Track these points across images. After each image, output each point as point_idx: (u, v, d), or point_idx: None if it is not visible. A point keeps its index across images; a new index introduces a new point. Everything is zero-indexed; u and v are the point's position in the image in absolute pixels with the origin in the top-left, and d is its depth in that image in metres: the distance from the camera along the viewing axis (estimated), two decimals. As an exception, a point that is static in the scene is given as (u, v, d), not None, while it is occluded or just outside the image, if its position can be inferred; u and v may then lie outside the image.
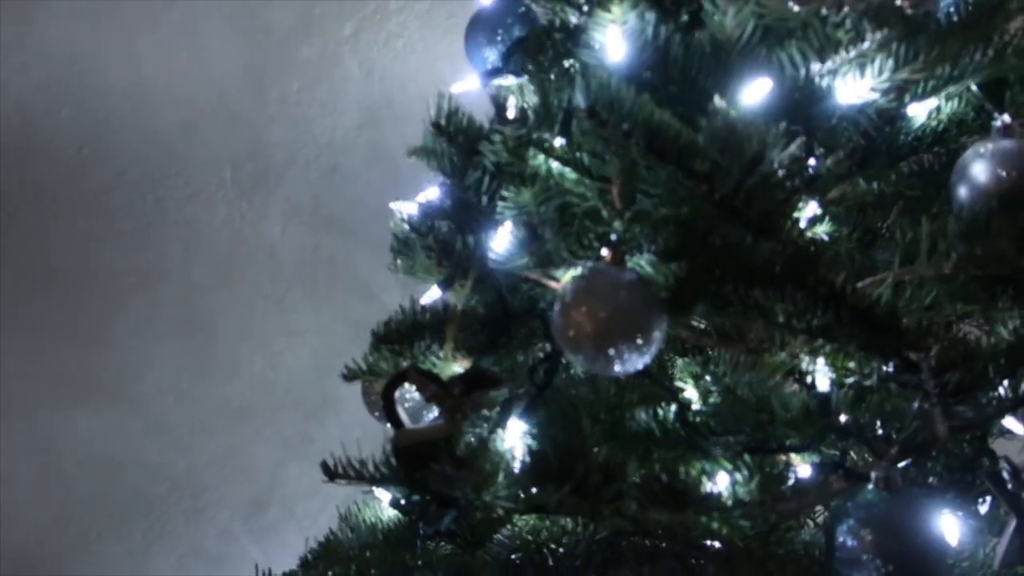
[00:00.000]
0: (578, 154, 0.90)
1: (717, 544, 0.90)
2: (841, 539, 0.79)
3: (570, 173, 0.91)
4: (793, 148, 0.81)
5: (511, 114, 1.06)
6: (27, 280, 1.58)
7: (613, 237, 0.84)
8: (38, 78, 1.55)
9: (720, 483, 0.82)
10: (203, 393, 1.69)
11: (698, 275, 0.81)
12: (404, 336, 0.98)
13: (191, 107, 1.63)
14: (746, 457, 0.81)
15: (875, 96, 0.88)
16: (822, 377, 0.86)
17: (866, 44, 0.84)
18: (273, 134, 1.67)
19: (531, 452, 0.83)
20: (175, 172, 1.63)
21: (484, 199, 0.93)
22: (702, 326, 0.93)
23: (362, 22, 1.70)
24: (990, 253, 0.83)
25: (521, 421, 0.89)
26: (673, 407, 0.91)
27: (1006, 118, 0.90)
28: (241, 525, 1.73)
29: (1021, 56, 0.93)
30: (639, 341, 0.74)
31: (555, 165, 0.91)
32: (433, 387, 0.89)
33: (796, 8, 0.85)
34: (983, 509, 0.98)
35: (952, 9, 0.92)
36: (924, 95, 0.93)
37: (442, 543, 1.05)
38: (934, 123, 0.98)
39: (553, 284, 0.90)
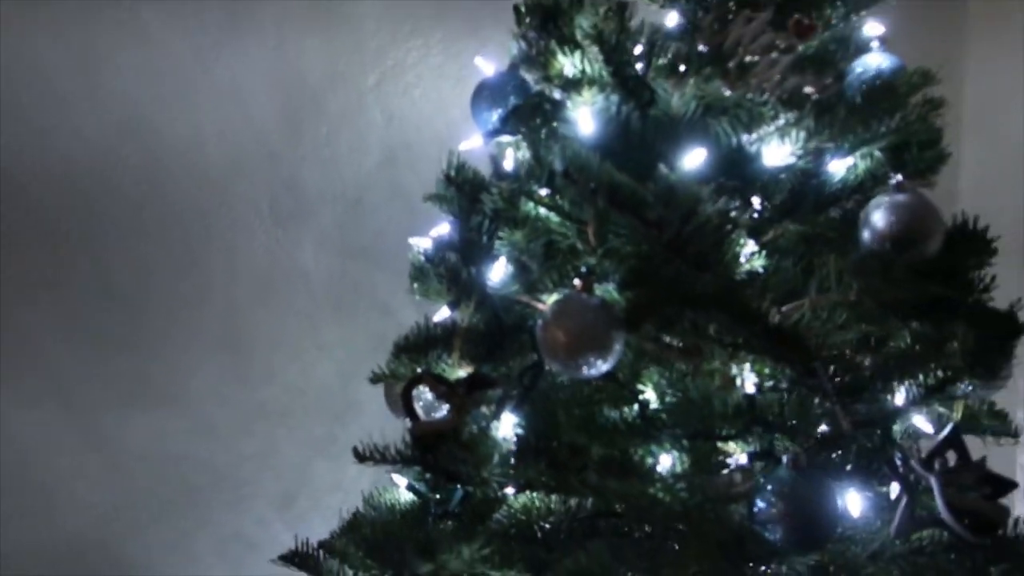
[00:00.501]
0: (560, 201, 1.14)
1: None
2: (758, 505, 1.01)
3: (554, 217, 1.14)
4: (720, 203, 1.04)
5: (508, 165, 1.31)
6: (93, 298, 1.81)
7: (583, 270, 1.07)
8: (106, 123, 1.79)
9: (665, 463, 1.05)
10: (242, 397, 1.91)
11: (648, 300, 1.04)
12: (419, 347, 1.21)
13: (235, 148, 1.87)
14: (684, 443, 1.03)
15: (795, 159, 1.12)
16: (749, 381, 1.09)
17: (782, 121, 1.07)
18: (306, 172, 1.91)
19: (518, 437, 1.06)
20: (220, 205, 1.87)
21: (485, 238, 1.17)
22: (666, 340, 1.16)
23: (383, 74, 1.95)
24: (884, 285, 1.05)
25: (512, 414, 1.12)
26: (636, 405, 1.14)
27: (899, 177, 1.13)
28: (274, 514, 1.96)
29: (916, 129, 1.16)
30: (597, 350, 0.97)
31: (542, 211, 1.15)
32: (443, 388, 1.12)
33: (728, 92, 1.09)
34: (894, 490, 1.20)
35: (856, 93, 1.16)
36: (838, 157, 1.16)
37: (449, 521, 1.27)
38: (852, 177, 1.20)
39: (538, 306, 1.13)
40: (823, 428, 1.11)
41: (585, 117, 1.09)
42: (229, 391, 1.91)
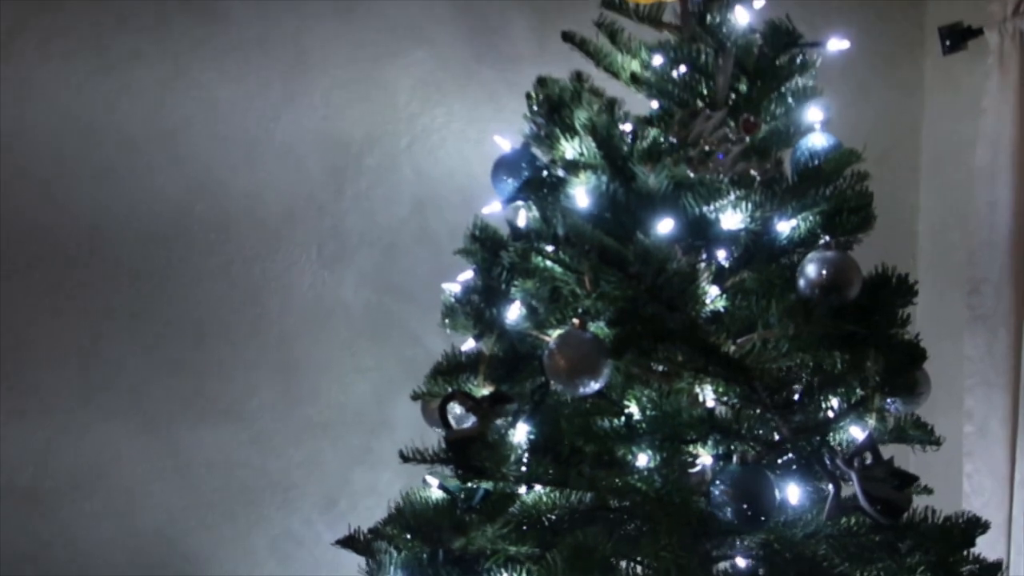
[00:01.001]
0: (562, 257, 1.46)
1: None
2: (715, 492, 1.32)
3: (558, 269, 1.46)
4: (688, 259, 1.36)
5: (521, 223, 1.62)
6: (170, 328, 2.12)
7: (580, 311, 1.38)
8: (182, 183, 2.11)
9: (643, 461, 1.35)
10: (292, 413, 2.22)
11: (631, 335, 1.35)
12: (451, 371, 1.52)
13: (289, 201, 2.19)
14: (658, 445, 1.34)
15: (747, 224, 1.43)
16: (709, 398, 1.40)
17: (734, 196, 1.38)
18: (348, 221, 2.23)
19: (530, 441, 1.37)
20: (276, 249, 2.19)
21: (503, 285, 1.49)
22: (645, 366, 1.47)
23: (414, 137, 2.27)
24: (807, 324, 1.36)
25: (525, 423, 1.43)
26: (622, 417, 1.44)
27: (827, 237, 1.44)
28: (318, 515, 2.26)
29: (848, 196, 1.47)
30: (590, 373, 1.28)
31: (548, 264, 1.46)
32: (470, 403, 1.43)
33: (692, 174, 1.40)
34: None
35: (793, 173, 1.47)
36: (784, 219, 1.47)
37: (473, 514, 1.58)
38: (796, 235, 1.51)
39: (545, 339, 1.44)
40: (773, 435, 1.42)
41: (581, 194, 1.41)
42: (281, 408, 2.21)
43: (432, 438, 1.65)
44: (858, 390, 1.40)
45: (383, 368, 2.27)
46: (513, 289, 1.47)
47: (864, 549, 1.38)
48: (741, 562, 1.43)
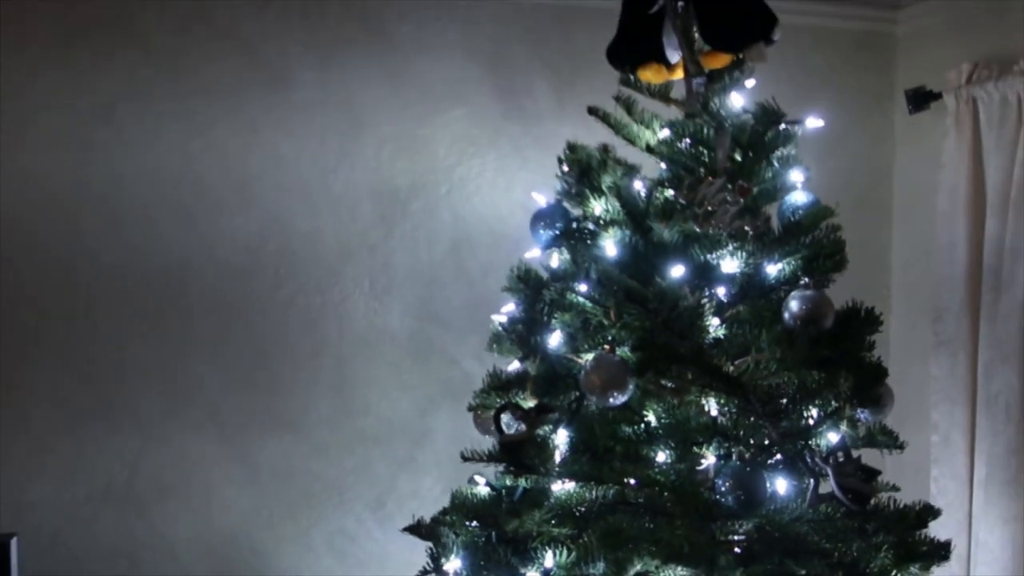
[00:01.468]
0: (593, 294, 1.79)
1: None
2: (719, 484, 1.65)
3: (589, 304, 1.79)
4: (695, 296, 1.69)
5: (554, 265, 1.95)
6: (243, 352, 2.45)
7: (609, 338, 1.72)
8: (254, 226, 2.44)
9: (660, 458, 1.69)
10: (347, 426, 2.54)
11: (649, 358, 1.68)
12: (503, 387, 1.84)
13: (345, 241, 2.52)
14: (672, 446, 1.67)
15: (741, 268, 1.77)
16: (713, 409, 1.73)
17: (731, 247, 1.73)
18: (395, 259, 2.56)
19: (569, 443, 1.70)
20: (334, 284, 2.52)
21: (545, 317, 1.82)
22: (661, 383, 1.80)
23: (452, 186, 2.61)
24: (790, 349, 1.70)
25: (564, 429, 1.76)
26: (642, 424, 1.77)
27: (807, 278, 1.77)
28: (369, 514, 2.57)
29: (824, 244, 1.81)
30: (618, 388, 1.62)
31: (581, 300, 1.80)
32: (520, 412, 1.76)
33: (698, 229, 1.75)
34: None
35: (779, 225, 1.81)
36: (771, 264, 1.81)
37: (515, 507, 1.90)
38: (782, 276, 1.84)
39: (580, 361, 1.77)
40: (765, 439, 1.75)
41: (610, 245, 1.75)
42: (336, 421, 2.54)
43: (469, 445, 1.99)
44: (832, 402, 1.73)
45: (424, 386, 2.60)
46: (553, 320, 1.81)
47: (838, 530, 1.70)
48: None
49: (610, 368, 1.66)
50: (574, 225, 1.92)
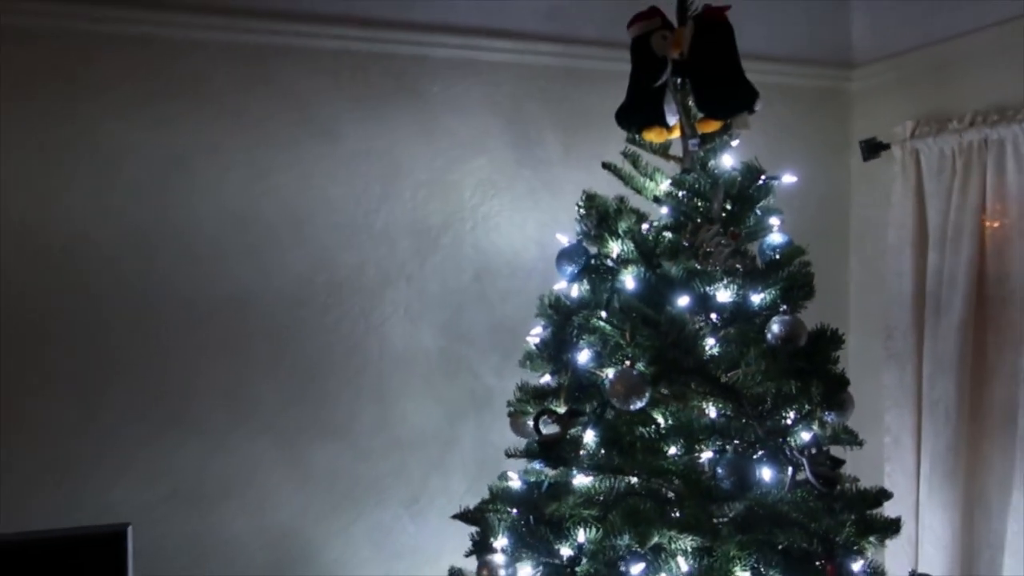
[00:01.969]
0: (613, 319, 2.19)
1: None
2: (717, 472, 2.05)
3: (609, 328, 2.19)
4: (695, 321, 2.11)
5: (574, 294, 2.35)
6: (296, 369, 2.80)
7: (628, 355, 2.12)
8: (307, 259, 2.79)
9: (671, 450, 2.09)
10: (385, 433, 2.90)
11: (661, 371, 2.09)
12: (540, 395, 2.23)
13: (386, 271, 2.88)
14: (680, 442, 2.08)
15: (732, 297, 2.19)
16: (712, 412, 2.14)
17: (725, 281, 2.14)
18: (428, 287, 2.93)
19: (597, 441, 2.10)
20: (374, 309, 2.88)
21: (574, 338, 2.22)
22: (670, 391, 2.20)
23: (475, 223, 3.00)
24: (772, 364, 2.11)
25: (591, 430, 2.15)
26: (653, 425, 2.17)
27: (784, 305, 2.19)
28: (404, 510, 2.93)
29: (797, 277, 2.23)
30: (638, 395, 2.02)
31: (601, 323, 2.20)
32: (555, 416, 2.15)
33: (698, 266, 2.16)
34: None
35: (761, 262, 2.23)
36: (756, 293, 2.23)
37: (552, 494, 2.27)
38: (764, 303, 2.26)
39: (604, 374, 2.17)
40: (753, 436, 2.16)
41: (629, 280, 2.16)
42: (376, 429, 2.90)
43: (488, 452, 2.39)
44: (806, 406, 2.15)
45: (452, 398, 2.97)
46: (581, 341, 2.21)
47: (812, 509, 2.10)
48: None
49: (631, 379, 2.06)
50: (593, 262, 2.33)
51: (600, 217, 2.31)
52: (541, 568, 2.13)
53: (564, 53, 3.04)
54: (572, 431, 2.16)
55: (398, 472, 2.92)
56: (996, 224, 2.81)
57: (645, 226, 2.31)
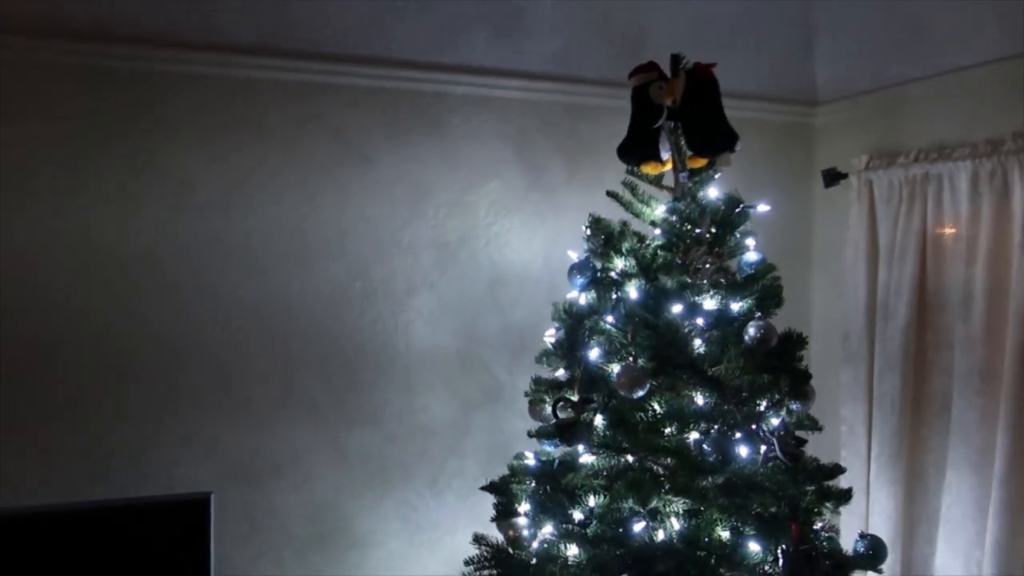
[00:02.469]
0: (617, 323, 2.64)
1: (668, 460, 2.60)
2: (704, 448, 2.50)
3: (614, 330, 2.64)
4: (687, 325, 2.57)
5: (582, 301, 2.80)
6: (336, 364, 3.20)
7: (632, 352, 2.57)
8: (345, 270, 3.20)
9: (667, 431, 2.54)
10: (410, 420, 3.31)
11: (658, 366, 2.54)
12: (556, 386, 2.67)
13: (410, 282, 3.30)
14: (673, 425, 2.53)
15: (717, 305, 2.66)
16: (700, 399, 2.60)
17: (711, 292, 2.61)
18: (447, 294, 3.36)
19: (605, 424, 2.54)
20: (402, 312, 3.28)
21: (586, 339, 2.66)
22: (666, 382, 2.65)
23: (489, 239, 3.43)
24: (749, 362, 2.57)
25: (600, 415, 2.60)
26: (650, 411, 2.62)
27: (759, 312, 2.66)
28: (426, 490, 3.34)
29: (769, 288, 2.70)
30: (640, 386, 2.47)
31: (608, 326, 2.65)
32: (570, 403, 2.59)
33: (689, 280, 2.62)
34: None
35: (740, 276, 2.70)
36: (735, 302, 2.69)
37: (566, 467, 2.70)
38: (742, 311, 2.73)
39: (611, 368, 2.61)
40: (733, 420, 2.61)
41: (633, 291, 2.61)
42: (404, 416, 3.31)
43: (498, 439, 2.84)
44: (776, 396, 2.61)
45: (468, 391, 3.39)
46: (592, 340, 2.65)
47: (780, 480, 2.56)
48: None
49: (635, 372, 2.51)
50: (599, 275, 2.78)
51: (607, 237, 2.76)
52: (559, 528, 2.57)
53: (567, 91, 3.48)
54: (584, 416, 2.60)
55: (421, 455, 3.34)
56: (934, 244, 3.30)
57: (642, 244, 2.77)
